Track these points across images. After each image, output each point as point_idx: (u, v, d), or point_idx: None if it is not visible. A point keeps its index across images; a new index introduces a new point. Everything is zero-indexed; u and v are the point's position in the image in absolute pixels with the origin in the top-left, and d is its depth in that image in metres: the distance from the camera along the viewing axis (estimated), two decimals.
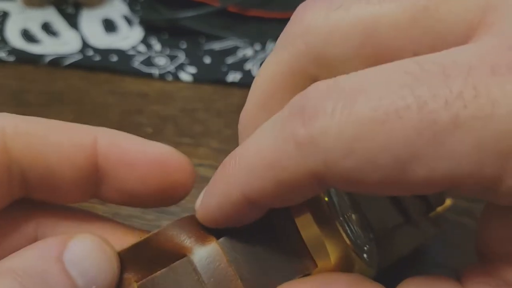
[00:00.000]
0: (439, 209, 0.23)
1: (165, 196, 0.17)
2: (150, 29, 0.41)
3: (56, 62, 0.38)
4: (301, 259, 0.15)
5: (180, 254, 0.15)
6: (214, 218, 0.15)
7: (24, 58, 0.38)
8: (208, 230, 0.16)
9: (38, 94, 0.36)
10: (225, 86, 0.37)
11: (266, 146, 0.13)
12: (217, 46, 0.40)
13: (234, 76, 0.37)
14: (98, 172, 0.16)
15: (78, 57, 0.38)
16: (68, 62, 0.38)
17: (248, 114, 0.17)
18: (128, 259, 0.16)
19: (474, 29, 0.13)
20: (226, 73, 0.38)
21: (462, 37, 0.13)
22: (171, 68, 0.38)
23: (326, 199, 0.15)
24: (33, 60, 0.38)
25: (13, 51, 0.39)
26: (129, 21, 0.42)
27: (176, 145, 0.17)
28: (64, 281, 0.14)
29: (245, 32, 0.41)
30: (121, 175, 0.16)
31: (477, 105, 0.11)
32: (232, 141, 0.32)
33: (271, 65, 0.16)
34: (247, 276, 0.15)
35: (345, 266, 0.15)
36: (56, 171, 0.16)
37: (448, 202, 0.24)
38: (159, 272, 0.15)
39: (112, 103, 0.35)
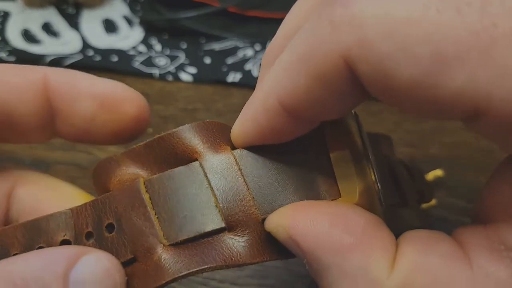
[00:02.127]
0: (424, 205, 0.23)
1: (119, 131, 0.17)
2: (151, 29, 0.41)
3: (57, 62, 0.38)
4: (325, 186, 0.15)
5: (192, 158, 0.15)
6: (249, 134, 0.15)
7: (24, 59, 0.38)
8: (225, 140, 0.15)
9: None
10: (225, 86, 0.37)
11: (301, 41, 0.12)
12: (217, 46, 0.40)
13: (234, 76, 0.37)
14: (51, 107, 0.17)
15: (79, 57, 0.38)
16: (68, 62, 0.38)
17: (275, 44, 0.16)
18: (140, 155, 0.16)
19: None
20: (226, 73, 0.38)
21: None
22: (172, 68, 0.38)
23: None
24: (34, 60, 0.38)
25: (14, 52, 0.39)
26: (129, 22, 0.42)
27: None
28: None
29: (245, 32, 0.41)
30: (72, 108, 0.17)
31: None
32: None
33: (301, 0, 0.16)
34: (259, 190, 0.15)
35: (365, 207, 0.15)
36: (11, 108, 0.16)
37: (433, 202, 0.24)
38: (167, 172, 0.15)
39: None
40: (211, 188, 0.15)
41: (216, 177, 0.15)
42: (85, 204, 0.16)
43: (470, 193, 0.30)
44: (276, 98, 0.13)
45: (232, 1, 0.40)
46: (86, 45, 0.40)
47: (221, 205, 0.15)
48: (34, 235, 0.16)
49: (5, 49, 0.39)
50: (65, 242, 0.16)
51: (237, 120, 0.15)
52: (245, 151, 0.15)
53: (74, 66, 0.38)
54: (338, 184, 0.15)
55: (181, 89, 0.37)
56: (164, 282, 0.14)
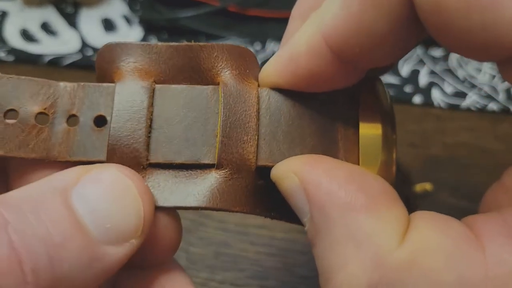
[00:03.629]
0: None
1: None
2: (150, 28, 0.41)
3: (56, 62, 0.38)
4: (345, 151, 0.14)
5: (213, 79, 0.14)
6: (282, 74, 0.14)
7: (23, 58, 0.38)
8: (255, 74, 0.14)
9: None
10: None
11: None
12: None
13: None
14: None
15: (78, 56, 0.38)
16: (67, 62, 0.38)
17: None
18: (158, 54, 0.14)
19: None
20: None
21: None
22: None
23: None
24: (32, 60, 0.38)
25: (12, 51, 0.38)
26: (128, 21, 0.42)
27: None
28: (62, 213, 0.12)
29: (245, 31, 0.41)
30: None
31: None
32: None
33: None
34: (271, 137, 0.14)
35: None
36: None
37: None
38: (182, 85, 0.14)
39: None
40: (221, 116, 0.13)
41: (230, 109, 0.14)
42: (77, 84, 0.15)
43: (471, 194, 0.30)
44: (323, 35, 0.12)
45: (232, 0, 0.40)
46: (85, 45, 0.39)
47: (221, 137, 0.13)
48: (6, 96, 0.14)
49: (3, 48, 0.39)
50: (41, 115, 0.14)
51: (271, 58, 0.14)
52: (272, 92, 0.14)
53: (73, 65, 0.38)
54: (360, 154, 0.15)
55: None
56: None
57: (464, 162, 0.32)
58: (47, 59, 0.38)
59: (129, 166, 0.13)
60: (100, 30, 0.41)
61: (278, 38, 0.40)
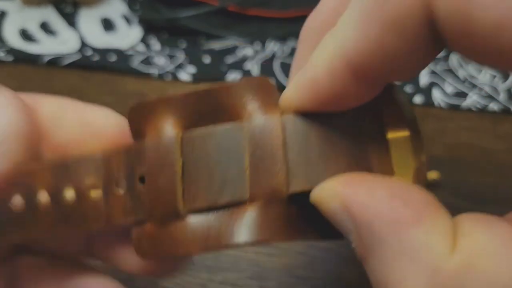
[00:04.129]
0: None
1: None
2: (149, 28, 0.41)
3: (55, 62, 0.38)
4: (379, 164, 0.15)
5: (236, 116, 0.14)
6: (305, 98, 0.13)
7: (22, 58, 0.38)
8: (275, 101, 0.14)
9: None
10: None
11: None
12: (216, 45, 0.40)
13: (234, 76, 0.37)
14: (38, 132, 0.16)
15: (77, 56, 0.38)
16: (66, 62, 0.38)
17: (320, 14, 0.15)
18: (177, 104, 0.15)
19: None
20: (225, 73, 0.37)
21: None
22: (171, 68, 0.38)
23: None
24: (32, 59, 0.38)
25: (11, 51, 0.38)
26: (128, 21, 0.42)
27: None
28: None
29: (245, 31, 0.40)
30: (58, 134, 0.17)
31: None
32: None
33: None
34: (302, 162, 0.14)
35: None
36: None
37: None
38: (207, 128, 0.14)
39: (111, 103, 0.35)
40: (247, 154, 0.14)
41: (256, 142, 0.14)
42: (118, 149, 0.15)
43: (471, 193, 0.30)
44: (343, 58, 0.12)
45: (232, 0, 0.40)
46: (84, 45, 0.39)
47: (250, 174, 0.14)
48: (63, 176, 0.15)
49: (3, 48, 0.38)
50: (93, 188, 0.15)
51: (291, 83, 0.14)
52: (297, 118, 0.14)
53: (72, 65, 0.38)
54: (393, 162, 0.15)
55: (180, 89, 0.37)
56: (177, 254, 0.14)
57: (465, 162, 0.32)
58: (46, 59, 0.38)
59: (168, 217, 0.14)
60: (100, 30, 0.41)
61: (278, 38, 0.40)
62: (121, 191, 0.15)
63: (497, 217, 0.13)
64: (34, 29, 0.41)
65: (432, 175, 0.28)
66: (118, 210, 0.15)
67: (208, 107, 0.14)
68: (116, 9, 0.43)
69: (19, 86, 0.37)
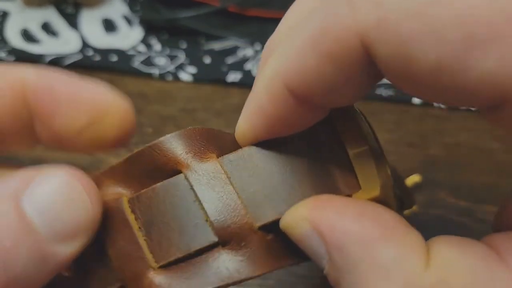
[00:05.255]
0: (407, 212, 0.23)
1: (101, 139, 0.16)
2: (150, 29, 0.41)
3: (56, 62, 0.38)
4: (344, 180, 0.14)
5: (175, 170, 0.14)
6: (255, 127, 0.14)
7: (24, 58, 0.38)
8: (210, 147, 0.14)
9: None
10: (225, 86, 0.37)
11: (311, 21, 0.12)
12: (217, 46, 0.40)
13: (234, 76, 0.37)
14: (31, 112, 0.15)
15: (78, 57, 0.38)
16: (68, 62, 0.38)
17: (275, 38, 0.15)
18: (120, 173, 0.15)
19: None
20: (226, 73, 0.37)
21: None
22: (171, 68, 0.38)
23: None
24: (33, 60, 0.38)
25: (13, 51, 0.39)
26: (129, 21, 0.42)
27: None
28: (12, 218, 0.12)
29: (245, 32, 0.41)
30: (52, 113, 0.15)
31: None
32: None
33: None
34: (256, 195, 0.14)
35: (384, 202, 0.14)
36: None
37: (414, 208, 0.24)
38: (150, 188, 0.14)
39: None
40: (199, 201, 0.14)
41: (203, 188, 0.14)
42: None
43: (471, 194, 0.30)
44: (282, 81, 0.12)
45: (232, 1, 0.40)
46: (85, 45, 0.40)
47: (211, 218, 0.14)
48: None
49: (4, 48, 0.39)
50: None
51: (240, 116, 0.14)
52: (234, 155, 0.14)
53: (73, 66, 0.38)
54: (358, 179, 0.15)
55: (181, 89, 0.37)
56: None
57: (464, 162, 0.32)
58: (47, 59, 0.38)
59: (139, 274, 0.14)
60: (101, 30, 0.41)
61: None
62: (92, 264, 0.15)
63: (472, 239, 0.13)
64: (35, 29, 0.41)
65: (415, 178, 0.28)
66: (93, 284, 0.15)
67: (147, 168, 0.15)
68: (117, 10, 0.43)
69: None
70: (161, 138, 0.14)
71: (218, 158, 0.14)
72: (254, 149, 0.14)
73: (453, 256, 0.12)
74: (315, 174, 0.14)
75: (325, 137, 0.15)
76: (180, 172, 0.14)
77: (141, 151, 0.15)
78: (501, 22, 0.09)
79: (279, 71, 0.12)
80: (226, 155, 0.14)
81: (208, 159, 0.14)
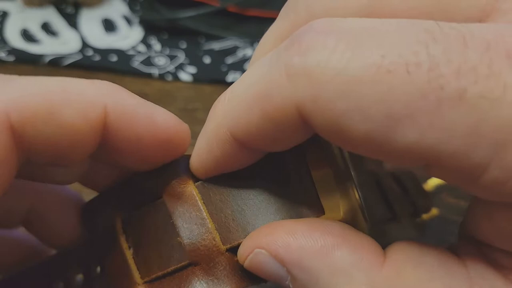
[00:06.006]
0: (425, 216, 0.23)
1: (159, 160, 0.16)
2: (150, 29, 0.41)
3: (56, 62, 0.38)
4: (308, 205, 0.15)
5: (159, 194, 0.16)
6: (206, 165, 0.15)
7: (23, 58, 0.38)
8: (189, 173, 0.16)
9: None
10: (225, 86, 0.37)
11: (257, 78, 0.13)
12: (217, 46, 0.40)
13: (234, 76, 0.37)
14: (104, 143, 0.15)
15: (78, 57, 0.38)
16: (67, 62, 0.38)
17: (261, 47, 0.16)
18: (115, 197, 0.16)
19: (487, 15, 0.12)
20: (226, 73, 0.38)
21: (475, 20, 0.12)
22: (171, 68, 0.38)
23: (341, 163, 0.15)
24: (33, 60, 0.38)
25: (13, 51, 0.39)
26: (128, 21, 0.42)
27: None
28: None
29: (245, 32, 0.41)
30: (127, 150, 0.15)
31: (487, 85, 0.10)
32: None
33: (272, 32, 0.16)
34: (226, 219, 0.15)
35: (349, 224, 0.15)
36: (64, 152, 0.14)
37: (434, 211, 0.24)
38: (137, 211, 0.16)
39: None
40: (174, 225, 0.15)
41: (179, 212, 0.15)
42: (70, 251, 0.18)
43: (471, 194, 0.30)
44: (227, 129, 0.13)
45: (231, 1, 0.40)
46: (85, 45, 0.40)
47: (184, 241, 0.15)
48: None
49: (4, 48, 0.39)
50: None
51: (193, 151, 0.15)
52: (209, 181, 0.15)
53: (73, 65, 0.38)
54: (323, 205, 0.15)
55: (181, 89, 0.37)
56: None
57: None
58: (47, 59, 0.38)
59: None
60: (101, 30, 0.41)
61: None
62: (80, 283, 0.17)
63: (433, 246, 0.13)
64: (35, 29, 0.41)
65: (435, 181, 0.28)
66: None
67: (136, 193, 0.16)
68: (117, 10, 0.43)
69: None
70: (144, 172, 0.16)
71: (193, 183, 0.16)
72: (226, 175, 0.15)
73: (411, 252, 0.13)
74: (281, 198, 0.15)
75: (293, 161, 0.16)
76: (162, 197, 0.16)
77: (131, 178, 0.16)
78: (417, 101, 0.10)
79: (227, 119, 0.14)
80: (201, 181, 0.16)
81: (185, 185, 0.15)
